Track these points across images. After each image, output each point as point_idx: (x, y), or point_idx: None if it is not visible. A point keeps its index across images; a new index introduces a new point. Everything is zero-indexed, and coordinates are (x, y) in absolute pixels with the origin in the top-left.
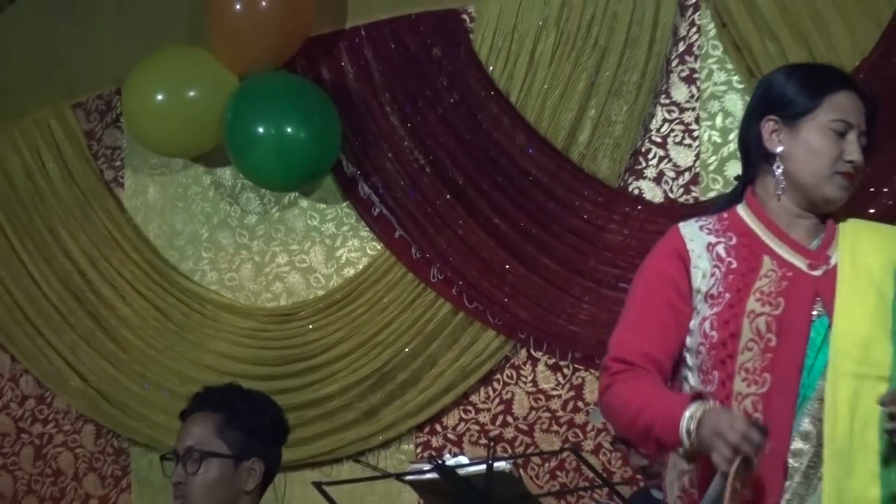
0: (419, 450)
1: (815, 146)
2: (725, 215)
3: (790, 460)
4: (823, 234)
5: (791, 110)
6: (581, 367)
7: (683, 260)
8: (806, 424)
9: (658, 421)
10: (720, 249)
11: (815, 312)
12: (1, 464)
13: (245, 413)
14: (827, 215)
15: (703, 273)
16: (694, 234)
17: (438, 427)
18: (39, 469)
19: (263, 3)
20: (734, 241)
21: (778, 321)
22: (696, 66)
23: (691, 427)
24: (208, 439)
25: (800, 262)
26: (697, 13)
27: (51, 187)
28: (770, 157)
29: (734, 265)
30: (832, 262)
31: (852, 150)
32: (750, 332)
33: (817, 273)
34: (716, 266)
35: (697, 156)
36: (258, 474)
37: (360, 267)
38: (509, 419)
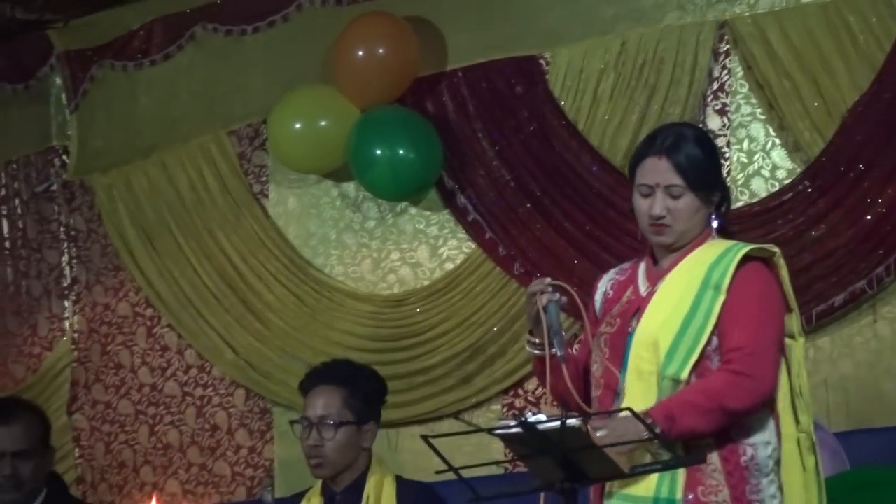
0: (505, 409)
1: (634, 207)
2: (644, 255)
3: None
4: (673, 260)
5: (630, 176)
6: None
7: (591, 303)
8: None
9: None
10: (609, 286)
11: (632, 326)
12: (170, 420)
13: (364, 385)
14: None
15: (597, 308)
16: (608, 277)
17: (521, 391)
18: (200, 425)
19: (380, 50)
20: (625, 276)
21: (611, 337)
22: (727, 100)
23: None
24: (339, 410)
25: (643, 287)
26: (728, 58)
27: (210, 198)
28: None
29: (610, 295)
30: (659, 284)
31: (653, 206)
32: (595, 349)
33: (645, 294)
34: (603, 297)
35: (728, 173)
36: (373, 433)
37: (458, 262)
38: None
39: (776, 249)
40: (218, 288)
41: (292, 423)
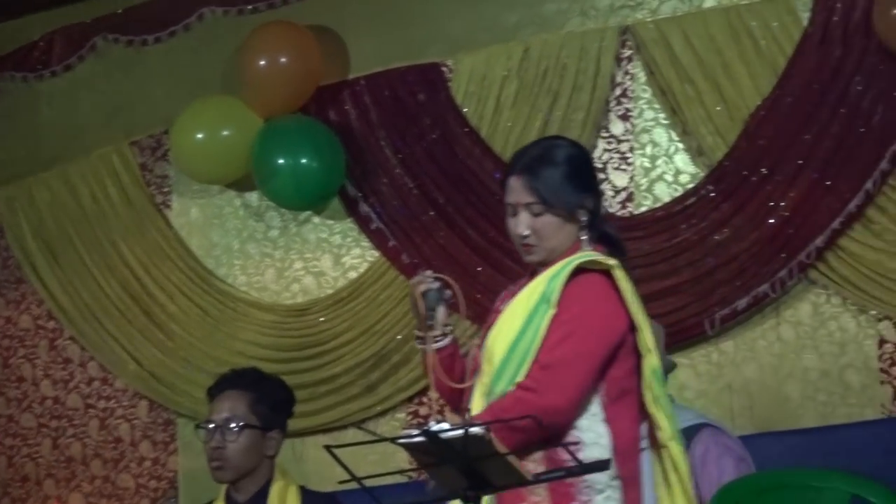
0: (409, 418)
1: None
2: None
3: None
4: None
5: None
6: None
7: None
8: None
9: None
10: (501, 297)
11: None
12: (73, 433)
13: (271, 392)
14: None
15: None
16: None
17: (425, 399)
18: (104, 437)
19: (282, 59)
20: (516, 287)
21: (476, 351)
22: (630, 106)
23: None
24: (243, 413)
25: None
26: (631, 64)
27: (112, 209)
28: None
29: (497, 307)
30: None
31: (516, 225)
32: (472, 361)
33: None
34: (494, 309)
35: (631, 178)
36: (277, 442)
37: (362, 270)
38: None
39: (612, 262)
40: (121, 299)
41: (197, 426)
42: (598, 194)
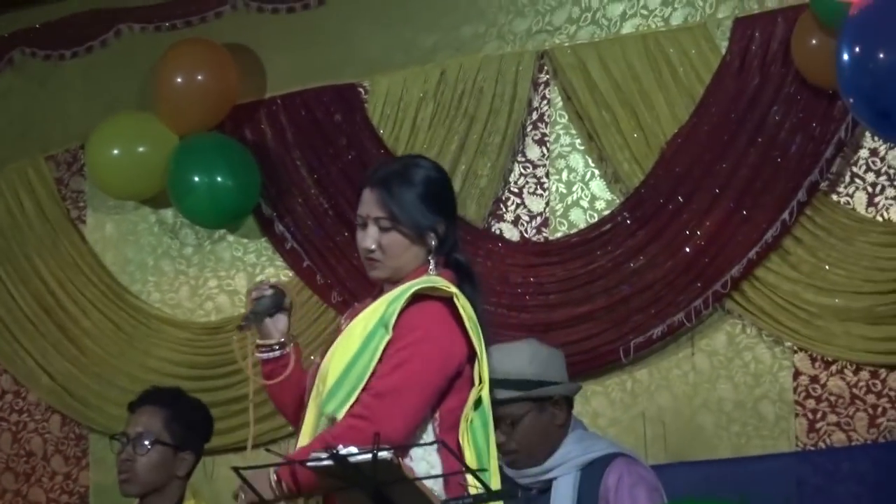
0: None
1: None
2: None
3: None
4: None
5: None
6: None
7: None
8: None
9: None
10: (345, 315)
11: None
12: None
13: (187, 411)
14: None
15: None
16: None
17: None
18: (15, 451)
19: (199, 77)
20: (363, 305)
21: (314, 370)
22: (547, 131)
23: None
24: (157, 429)
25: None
26: (548, 88)
27: (27, 223)
28: None
29: (341, 325)
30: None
31: (363, 238)
32: (309, 380)
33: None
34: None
35: (547, 203)
36: (189, 464)
37: None
38: None
39: (453, 290)
40: (34, 313)
41: (112, 437)
42: (453, 220)
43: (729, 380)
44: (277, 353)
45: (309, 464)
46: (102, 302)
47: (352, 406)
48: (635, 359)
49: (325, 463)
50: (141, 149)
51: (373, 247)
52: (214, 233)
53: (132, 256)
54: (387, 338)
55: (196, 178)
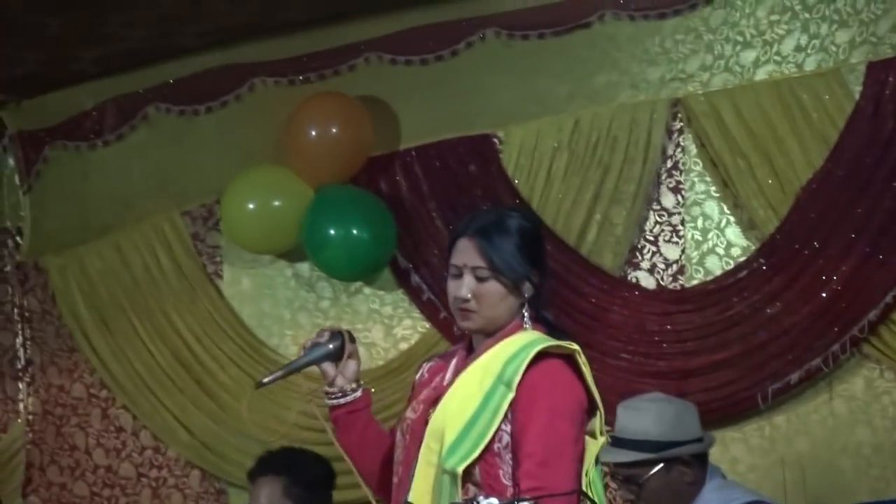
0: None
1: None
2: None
3: None
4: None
5: None
6: None
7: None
8: None
9: None
10: (427, 368)
11: (430, 414)
12: (125, 502)
13: (304, 472)
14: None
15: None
16: (431, 359)
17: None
18: None
19: (333, 130)
20: (444, 360)
21: (412, 424)
22: (681, 178)
23: None
24: (279, 499)
25: (450, 375)
26: (682, 136)
27: (164, 278)
28: None
29: (424, 378)
30: (463, 374)
31: (458, 288)
32: (399, 434)
33: (447, 383)
34: (419, 379)
35: (683, 251)
36: None
37: (413, 342)
38: None
39: (576, 347)
40: (172, 369)
41: None
42: (545, 272)
43: (867, 424)
44: (342, 400)
45: None
46: (240, 356)
47: (518, 473)
48: (773, 405)
49: None
50: (276, 202)
51: (468, 296)
52: (351, 285)
53: (269, 310)
54: (510, 396)
55: (332, 231)
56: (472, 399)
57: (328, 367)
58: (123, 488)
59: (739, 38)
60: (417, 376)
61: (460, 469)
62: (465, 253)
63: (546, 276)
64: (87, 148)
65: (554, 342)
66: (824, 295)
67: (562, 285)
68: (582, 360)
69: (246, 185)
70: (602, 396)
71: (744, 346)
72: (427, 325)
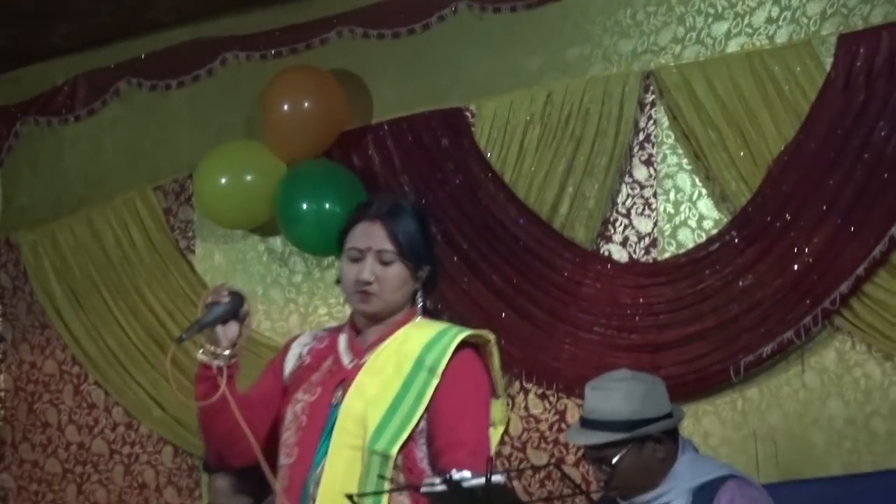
0: None
1: (342, 273)
2: (344, 326)
3: None
4: (379, 336)
5: (339, 247)
6: (564, 396)
7: (279, 360)
8: (312, 488)
9: None
10: (305, 351)
11: (336, 398)
12: (97, 479)
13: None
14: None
15: (288, 369)
16: (302, 341)
17: None
18: (128, 483)
19: (306, 104)
20: (323, 344)
21: (310, 406)
22: (653, 151)
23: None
24: (233, 497)
25: (346, 359)
26: (654, 109)
27: (136, 254)
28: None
29: (306, 361)
30: (364, 358)
31: (361, 271)
32: (290, 415)
33: (350, 367)
34: (298, 361)
35: (655, 224)
36: None
37: None
38: (506, 439)
39: (491, 337)
40: (145, 345)
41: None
42: (436, 261)
43: (839, 397)
44: (219, 363)
45: (423, 489)
46: None
47: (441, 461)
48: (745, 378)
49: (439, 489)
50: (249, 177)
51: (371, 279)
52: (323, 260)
53: (242, 285)
54: (434, 382)
55: (304, 206)
56: (391, 383)
57: (219, 327)
58: (96, 465)
59: (711, 10)
60: (291, 356)
61: (394, 450)
62: (370, 236)
63: (436, 265)
64: (59, 123)
65: (471, 331)
66: (796, 267)
67: (534, 259)
68: (493, 351)
69: (218, 159)
70: (576, 370)
71: (716, 319)
72: None
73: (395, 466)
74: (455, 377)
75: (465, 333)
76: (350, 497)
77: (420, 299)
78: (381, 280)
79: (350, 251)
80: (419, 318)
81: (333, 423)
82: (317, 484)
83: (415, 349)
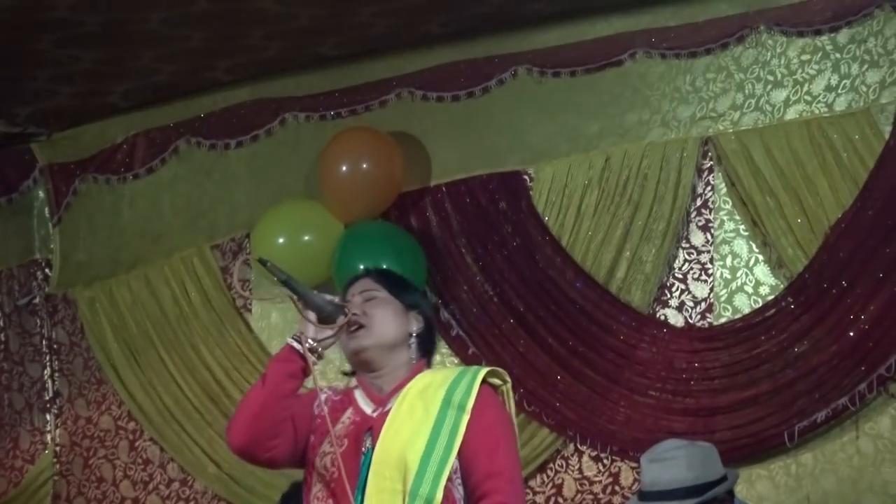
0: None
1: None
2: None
3: None
4: (396, 384)
5: None
6: (618, 458)
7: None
8: None
9: None
10: (324, 398)
11: (366, 446)
12: None
13: None
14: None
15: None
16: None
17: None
18: None
19: (364, 166)
20: (338, 396)
21: (341, 457)
22: (711, 217)
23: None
24: None
25: (368, 408)
26: (712, 174)
27: (193, 312)
28: None
29: (324, 411)
30: (388, 405)
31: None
32: (320, 467)
33: (374, 414)
34: (316, 410)
35: (711, 289)
36: None
37: None
38: (560, 500)
39: (508, 379)
40: (200, 402)
41: None
42: (431, 316)
43: (894, 463)
44: (307, 347)
45: None
46: None
47: (480, 491)
48: (800, 443)
49: None
50: (306, 237)
51: (358, 311)
52: None
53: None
54: (465, 419)
55: (362, 266)
56: (422, 425)
57: (312, 318)
58: None
59: (770, 78)
60: (317, 409)
61: (439, 494)
62: (358, 287)
63: (433, 322)
64: (118, 181)
65: (491, 368)
66: (852, 334)
67: (591, 322)
68: (509, 391)
69: (276, 219)
70: (631, 433)
71: (771, 385)
72: (455, 360)
73: None
74: (483, 411)
75: (486, 370)
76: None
77: (418, 352)
78: (370, 312)
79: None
80: (427, 370)
81: (367, 472)
82: None
83: (440, 390)
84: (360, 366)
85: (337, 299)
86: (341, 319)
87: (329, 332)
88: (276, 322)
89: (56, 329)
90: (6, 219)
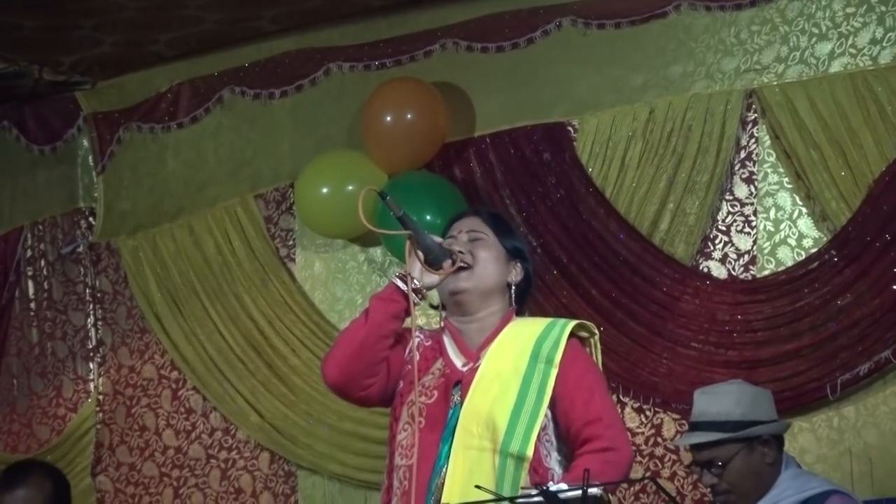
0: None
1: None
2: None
3: None
4: (486, 336)
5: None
6: (660, 410)
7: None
8: (436, 490)
9: None
10: (417, 344)
11: (455, 399)
12: (194, 483)
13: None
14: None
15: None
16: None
17: None
18: (224, 488)
19: (409, 116)
20: (429, 343)
21: (428, 408)
22: (754, 169)
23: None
24: None
25: (458, 361)
26: (756, 127)
27: (236, 261)
28: None
29: (416, 357)
30: (479, 360)
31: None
32: (406, 416)
33: (465, 369)
34: (407, 354)
35: (755, 241)
36: None
37: None
38: None
39: (596, 330)
40: (244, 351)
41: None
42: (529, 270)
43: None
44: (412, 287)
45: (519, 500)
46: (311, 340)
47: (581, 439)
48: (842, 396)
49: (536, 500)
50: (350, 187)
51: (464, 250)
52: None
53: (341, 294)
54: (553, 372)
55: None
56: (510, 381)
57: (421, 258)
58: (192, 469)
59: (815, 31)
60: (409, 355)
61: (529, 451)
62: (466, 224)
63: (530, 274)
64: (162, 130)
65: (578, 322)
66: (895, 287)
67: (633, 274)
68: (596, 343)
69: (320, 169)
70: (673, 385)
71: (814, 338)
72: None
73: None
74: (574, 362)
75: (574, 322)
76: (479, 488)
77: (513, 301)
78: (475, 253)
79: (447, 240)
80: (517, 319)
81: (454, 426)
82: (441, 485)
83: (527, 344)
84: (454, 306)
85: (444, 242)
86: (448, 263)
87: (435, 278)
88: (320, 272)
89: (99, 278)
90: (50, 167)
